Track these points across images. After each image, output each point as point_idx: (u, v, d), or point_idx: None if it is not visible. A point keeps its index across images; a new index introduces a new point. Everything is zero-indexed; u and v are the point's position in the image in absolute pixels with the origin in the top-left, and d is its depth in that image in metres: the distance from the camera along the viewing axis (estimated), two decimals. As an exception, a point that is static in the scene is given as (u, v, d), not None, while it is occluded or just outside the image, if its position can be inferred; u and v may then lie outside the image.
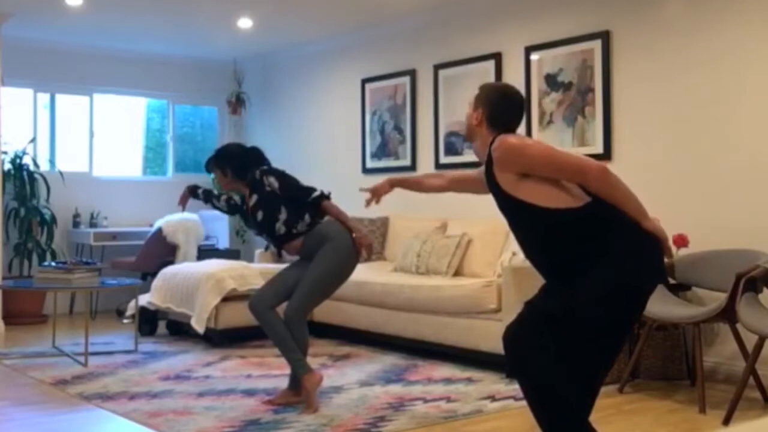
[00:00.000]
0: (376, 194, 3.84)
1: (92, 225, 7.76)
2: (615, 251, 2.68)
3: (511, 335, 2.90)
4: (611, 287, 2.66)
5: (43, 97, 7.87)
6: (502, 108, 3.06)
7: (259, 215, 4.25)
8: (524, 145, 2.88)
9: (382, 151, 7.20)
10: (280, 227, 4.21)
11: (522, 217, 2.88)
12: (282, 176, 4.29)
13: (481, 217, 6.03)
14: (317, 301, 4.31)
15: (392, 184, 3.81)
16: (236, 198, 4.50)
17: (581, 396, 2.75)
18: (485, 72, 6.24)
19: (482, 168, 3.13)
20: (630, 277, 2.69)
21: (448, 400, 4.29)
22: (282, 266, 4.66)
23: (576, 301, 2.69)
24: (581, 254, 2.72)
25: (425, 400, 4.27)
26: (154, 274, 6.66)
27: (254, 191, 4.28)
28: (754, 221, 4.64)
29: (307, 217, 4.23)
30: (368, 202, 3.85)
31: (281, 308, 4.19)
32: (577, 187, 2.79)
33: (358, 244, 4.25)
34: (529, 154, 2.83)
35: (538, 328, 2.82)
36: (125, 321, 6.79)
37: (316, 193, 4.26)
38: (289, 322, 4.12)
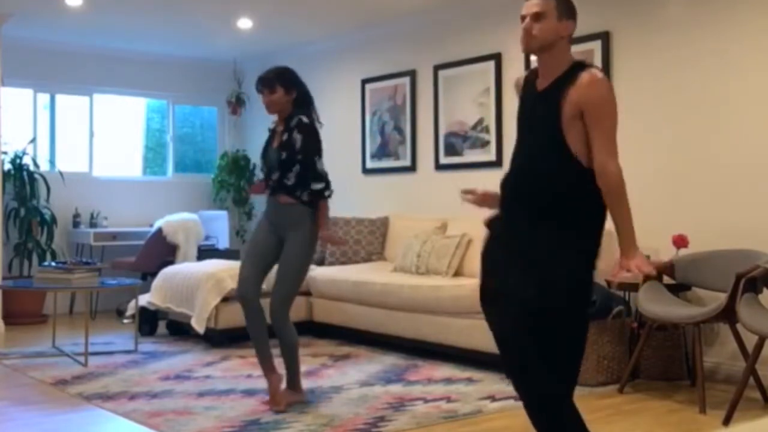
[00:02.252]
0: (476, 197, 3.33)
1: (92, 225, 7.76)
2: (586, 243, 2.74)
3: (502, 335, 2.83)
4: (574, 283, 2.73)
5: (43, 98, 7.87)
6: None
7: (284, 155, 4.11)
8: (614, 101, 2.76)
9: (382, 152, 7.20)
10: (292, 178, 4.10)
11: (547, 149, 2.77)
12: (308, 139, 4.12)
13: (481, 217, 6.03)
14: (296, 292, 4.21)
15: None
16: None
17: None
18: (485, 72, 6.25)
19: (521, 81, 2.98)
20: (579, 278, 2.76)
21: (448, 400, 4.29)
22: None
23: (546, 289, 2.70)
24: (563, 217, 2.73)
25: (425, 400, 4.27)
26: (154, 274, 6.66)
27: (289, 130, 4.13)
28: (754, 221, 4.64)
29: (307, 193, 4.13)
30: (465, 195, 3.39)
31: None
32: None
33: (322, 239, 4.22)
34: (614, 111, 2.73)
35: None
36: (125, 321, 6.79)
37: (319, 186, 4.13)
38: (276, 318, 4.10)
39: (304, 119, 4.16)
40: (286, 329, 4.14)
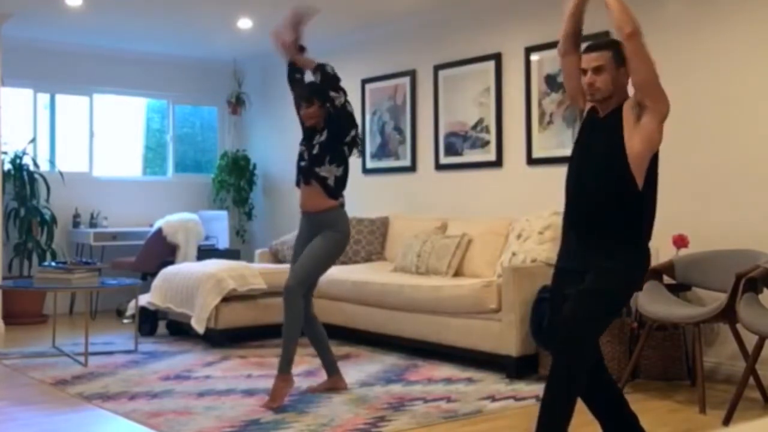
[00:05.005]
0: None
1: (92, 225, 7.76)
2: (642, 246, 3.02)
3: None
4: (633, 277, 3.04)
5: (43, 98, 7.87)
6: None
7: (316, 149, 4.34)
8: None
9: (382, 152, 7.20)
10: (330, 160, 4.32)
11: (609, 167, 2.98)
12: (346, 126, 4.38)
13: (481, 217, 6.04)
14: (315, 277, 4.39)
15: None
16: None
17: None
18: (485, 72, 6.24)
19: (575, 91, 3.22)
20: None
21: (448, 400, 4.29)
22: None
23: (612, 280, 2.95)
24: (621, 228, 2.98)
25: (425, 400, 4.27)
26: (154, 274, 6.66)
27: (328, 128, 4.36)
28: (754, 221, 4.64)
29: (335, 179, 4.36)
30: None
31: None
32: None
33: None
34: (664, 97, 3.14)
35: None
36: (125, 321, 6.80)
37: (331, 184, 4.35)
38: (290, 293, 4.19)
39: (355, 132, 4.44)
40: (293, 308, 4.20)
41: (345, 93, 4.42)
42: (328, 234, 4.32)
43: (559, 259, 3.15)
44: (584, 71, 3.06)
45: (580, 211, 3.05)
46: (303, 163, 4.41)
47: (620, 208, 2.96)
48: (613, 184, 2.96)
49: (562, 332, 2.95)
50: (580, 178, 3.05)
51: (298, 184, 4.46)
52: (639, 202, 2.97)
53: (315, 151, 4.34)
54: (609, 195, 2.97)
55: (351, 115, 4.41)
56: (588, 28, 5.52)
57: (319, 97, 4.39)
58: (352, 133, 4.38)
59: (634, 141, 2.95)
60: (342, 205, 4.41)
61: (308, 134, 4.46)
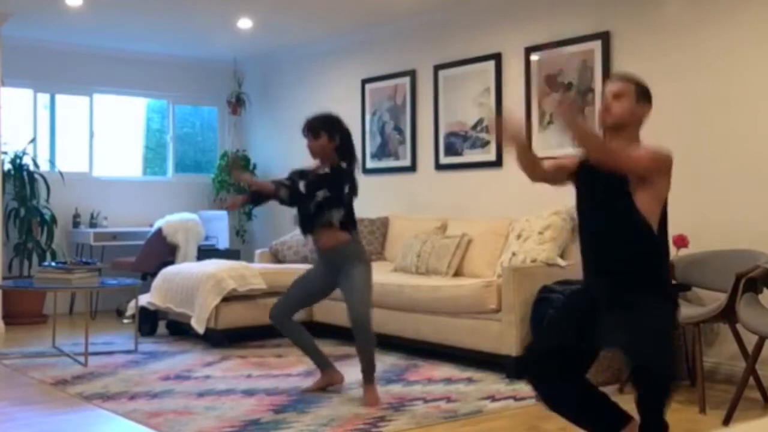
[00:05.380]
0: (510, 133, 3.13)
1: (92, 225, 7.76)
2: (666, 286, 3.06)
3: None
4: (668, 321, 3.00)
5: (43, 98, 7.87)
6: None
7: (320, 195, 4.25)
8: (667, 167, 3.09)
9: (382, 152, 7.20)
10: (333, 216, 4.27)
11: (619, 217, 2.98)
12: (339, 189, 4.29)
13: (481, 217, 6.03)
14: (371, 301, 4.37)
15: (521, 139, 3.16)
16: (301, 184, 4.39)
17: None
18: (485, 72, 6.24)
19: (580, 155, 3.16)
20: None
21: (448, 400, 4.29)
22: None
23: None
24: (641, 271, 2.98)
25: (425, 400, 4.27)
26: (154, 274, 6.66)
27: (330, 188, 4.27)
28: (754, 221, 4.64)
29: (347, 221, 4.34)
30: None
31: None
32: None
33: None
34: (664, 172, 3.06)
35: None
36: (125, 321, 6.80)
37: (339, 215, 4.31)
38: (359, 326, 4.20)
39: (347, 165, 4.34)
40: (368, 337, 4.25)
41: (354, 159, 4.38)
42: (358, 267, 4.28)
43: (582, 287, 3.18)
44: (603, 97, 3.07)
45: (601, 265, 3.05)
46: (301, 215, 4.35)
47: (641, 257, 2.97)
48: (630, 234, 2.97)
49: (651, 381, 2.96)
50: (597, 236, 3.06)
51: (304, 234, 4.43)
52: (657, 245, 3.00)
53: (313, 210, 4.26)
54: (629, 247, 2.97)
55: (352, 174, 4.36)
56: (587, 29, 5.48)
57: (326, 129, 4.34)
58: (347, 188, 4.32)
59: (643, 198, 2.96)
60: (356, 240, 4.39)
61: (312, 187, 4.30)
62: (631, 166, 2.92)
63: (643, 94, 3.05)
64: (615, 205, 2.99)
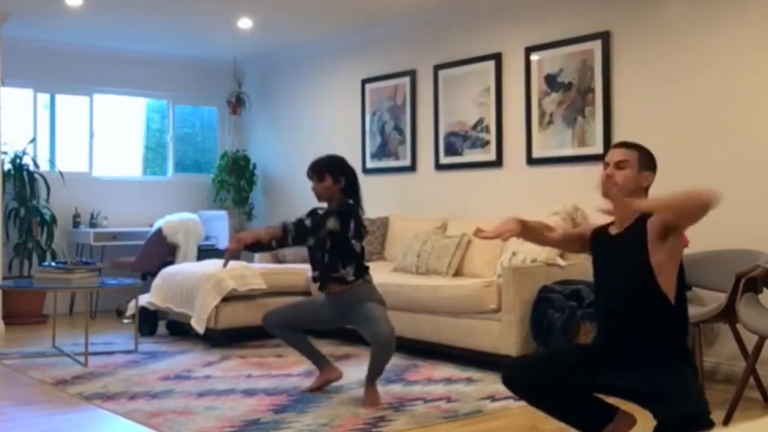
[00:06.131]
0: (503, 234, 3.10)
1: (92, 225, 7.76)
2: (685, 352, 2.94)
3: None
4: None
5: (43, 97, 7.87)
6: None
7: (330, 224, 4.23)
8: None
9: (382, 152, 7.20)
10: (348, 273, 4.25)
11: (638, 294, 2.91)
12: (346, 223, 4.25)
13: (481, 218, 6.03)
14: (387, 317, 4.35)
15: (520, 227, 3.12)
16: (306, 222, 4.33)
17: None
18: (485, 72, 6.24)
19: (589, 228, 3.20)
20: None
21: (448, 400, 4.29)
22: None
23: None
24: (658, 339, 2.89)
25: (425, 400, 4.27)
26: (154, 274, 6.66)
27: (338, 217, 4.24)
28: (754, 221, 4.64)
29: (352, 268, 4.29)
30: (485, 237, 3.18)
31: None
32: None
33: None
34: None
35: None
36: (125, 321, 6.80)
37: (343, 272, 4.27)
38: (385, 345, 4.15)
39: (352, 203, 4.34)
40: (390, 352, 4.22)
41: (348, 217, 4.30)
42: (370, 304, 4.25)
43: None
44: (605, 165, 3.02)
45: (619, 335, 2.98)
46: (316, 274, 4.33)
47: (660, 329, 2.89)
48: (649, 312, 2.89)
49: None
50: (614, 312, 3.00)
51: (320, 289, 4.40)
52: (676, 314, 2.91)
53: (326, 260, 4.25)
54: (647, 321, 2.90)
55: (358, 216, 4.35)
56: (587, 29, 5.49)
57: (330, 171, 4.34)
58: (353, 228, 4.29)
59: (660, 257, 2.86)
60: (368, 280, 4.35)
61: (320, 220, 4.29)
62: (699, 203, 2.83)
63: (647, 162, 2.99)
64: (634, 280, 2.90)
